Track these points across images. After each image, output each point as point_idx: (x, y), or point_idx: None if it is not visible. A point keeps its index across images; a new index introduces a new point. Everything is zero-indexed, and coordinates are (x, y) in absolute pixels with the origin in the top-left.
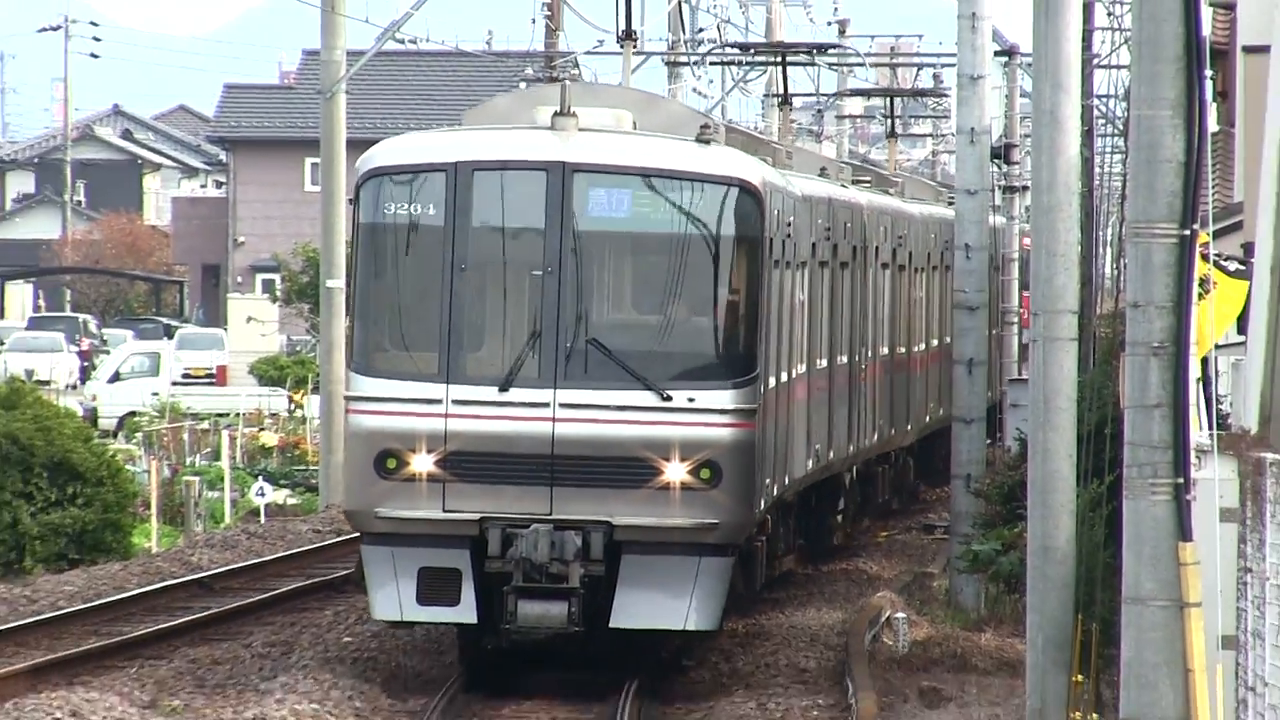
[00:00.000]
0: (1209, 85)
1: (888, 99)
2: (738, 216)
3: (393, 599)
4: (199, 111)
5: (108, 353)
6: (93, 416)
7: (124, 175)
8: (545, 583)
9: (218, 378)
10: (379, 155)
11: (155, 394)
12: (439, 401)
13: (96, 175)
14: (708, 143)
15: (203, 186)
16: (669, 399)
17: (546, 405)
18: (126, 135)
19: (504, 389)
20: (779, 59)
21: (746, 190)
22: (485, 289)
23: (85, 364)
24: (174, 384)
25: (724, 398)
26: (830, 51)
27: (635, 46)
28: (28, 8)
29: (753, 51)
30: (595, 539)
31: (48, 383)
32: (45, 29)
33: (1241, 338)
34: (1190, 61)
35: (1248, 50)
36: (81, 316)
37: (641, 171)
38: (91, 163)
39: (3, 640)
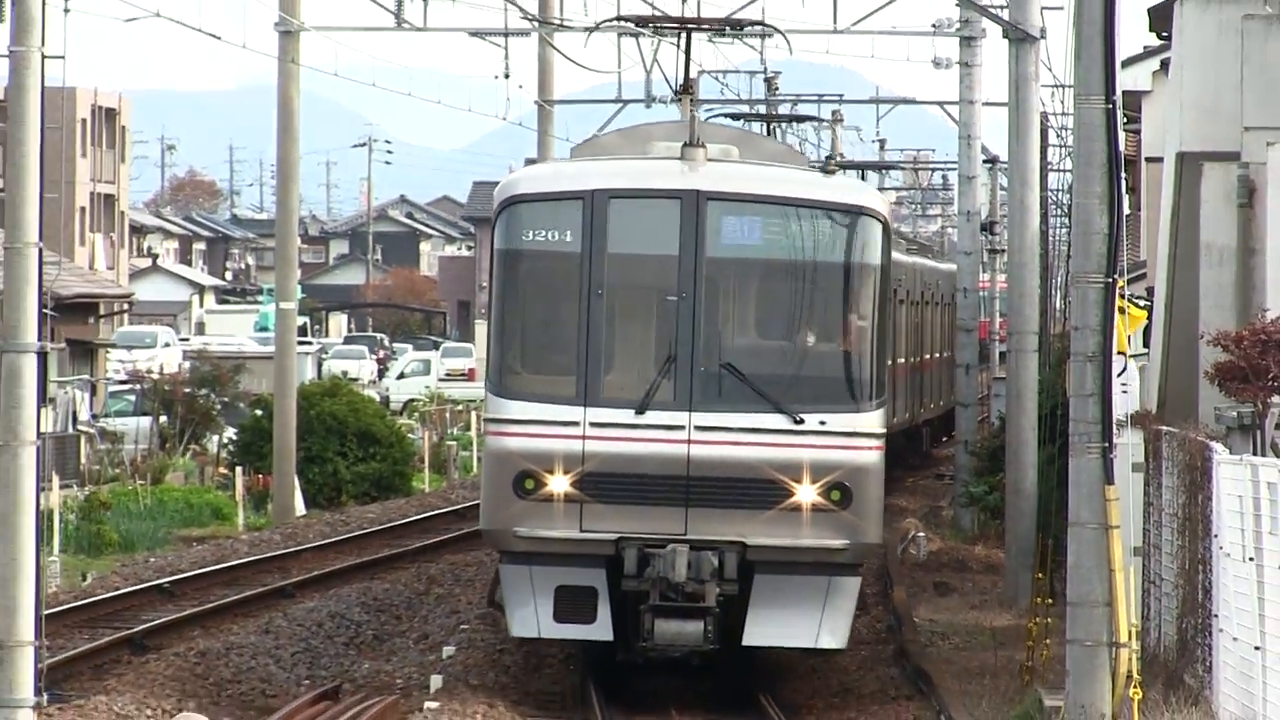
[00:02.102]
0: (1123, 183)
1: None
2: (866, 244)
3: (530, 617)
4: (456, 199)
5: (395, 360)
6: (386, 401)
7: (406, 242)
8: (681, 601)
9: (469, 376)
10: (517, 184)
11: (427, 387)
12: (576, 424)
13: (388, 242)
14: (832, 173)
15: (458, 249)
16: (801, 422)
17: (682, 428)
18: (409, 215)
19: (640, 412)
20: (682, 32)
21: (874, 218)
22: (620, 314)
23: (381, 367)
24: (440, 380)
25: (854, 421)
26: (748, 28)
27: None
28: (344, 130)
29: (652, 27)
30: (730, 559)
31: (356, 379)
32: (357, 145)
33: (1145, 350)
34: (1111, 168)
35: (1148, 160)
36: (378, 335)
37: (773, 200)
38: (384, 234)
39: (328, 548)
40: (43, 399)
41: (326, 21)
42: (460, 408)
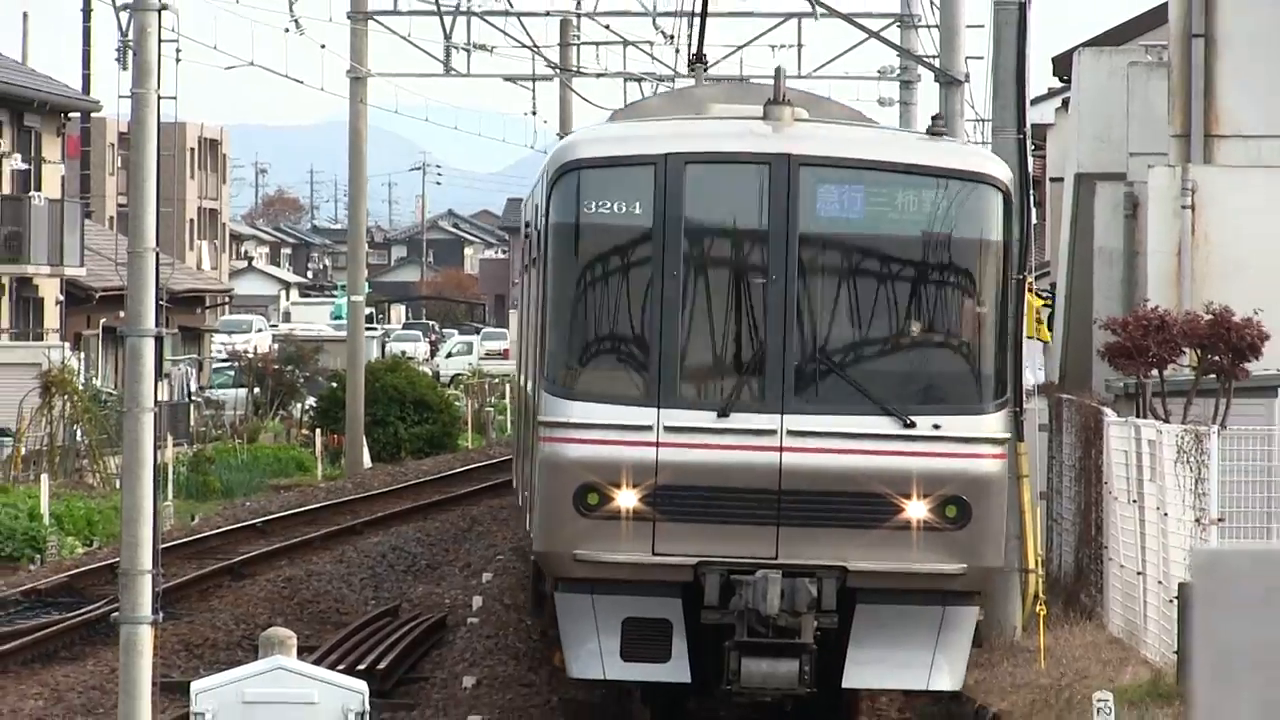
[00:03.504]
0: (1032, 199)
1: None
2: (988, 218)
3: (593, 654)
4: (494, 212)
5: (444, 342)
6: (437, 376)
7: (453, 247)
8: (773, 637)
9: (504, 355)
10: (577, 146)
11: (470, 364)
12: (649, 428)
13: (438, 247)
14: (939, 135)
15: (495, 253)
16: (912, 425)
17: (773, 433)
18: (455, 225)
19: (723, 414)
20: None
21: (997, 189)
22: (699, 299)
23: (432, 348)
24: (480, 359)
25: (974, 424)
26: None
27: None
28: (403, 157)
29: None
30: (828, 587)
31: (412, 358)
32: (413, 169)
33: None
34: (1023, 186)
35: (1052, 180)
36: (430, 323)
37: (878, 165)
38: (435, 240)
39: (389, 495)
40: (159, 374)
41: (389, 69)
42: (497, 380)
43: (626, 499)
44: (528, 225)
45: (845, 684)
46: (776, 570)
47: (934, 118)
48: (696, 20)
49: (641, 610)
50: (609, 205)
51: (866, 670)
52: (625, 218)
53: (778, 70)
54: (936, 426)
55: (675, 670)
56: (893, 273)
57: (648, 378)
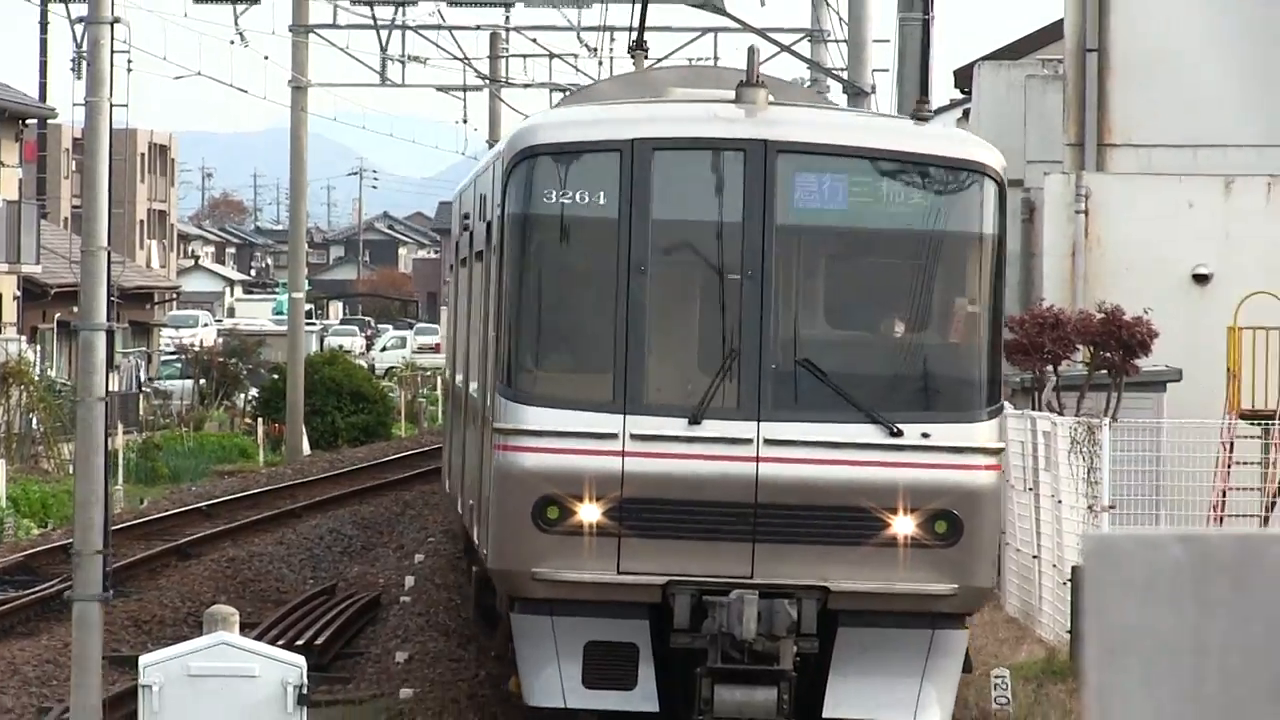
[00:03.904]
0: None
1: None
2: (981, 210)
3: (553, 682)
4: (426, 214)
5: (379, 337)
6: (372, 368)
7: (388, 248)
8: (749, 663)
9: (437, 349)
10: (536, 131)
11: (404, 358)
12: (614, 436)
13: (374, 248)
14: (925, 120)
15: (428, 253)
16: (899, 434)
17: (749, 441)
18: (390, 227)
19: (695, 421)
20: None
21: (990, 177)
22: (669, 296)
23: (368, 342)
24: (413, 353)
25: (965, 433)
26: None
27: None
28: (341, 162)
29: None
30: (808, 608)
31: (349, 351)
32: (350, 173)
33: None
34: None
35: None
36: (366, 318)
37: (861, 152)
38: (371, 241)
39: (327, 480)
40: (110, 366)
41: (328, 79)
42: (429, 373)
43: (589, 513)
44: (466, 218)
45: (826, 715)
46: (753, 590)
47: (918, 101)
48: (638, 7)
49: (606, 634)
50: (571, 194)
51: (849, 700)
52: (588, 208)
53: (751, 49)
54: (925, 435)
55: (642, 699)
56: (878, 268)
57: (613, 381)
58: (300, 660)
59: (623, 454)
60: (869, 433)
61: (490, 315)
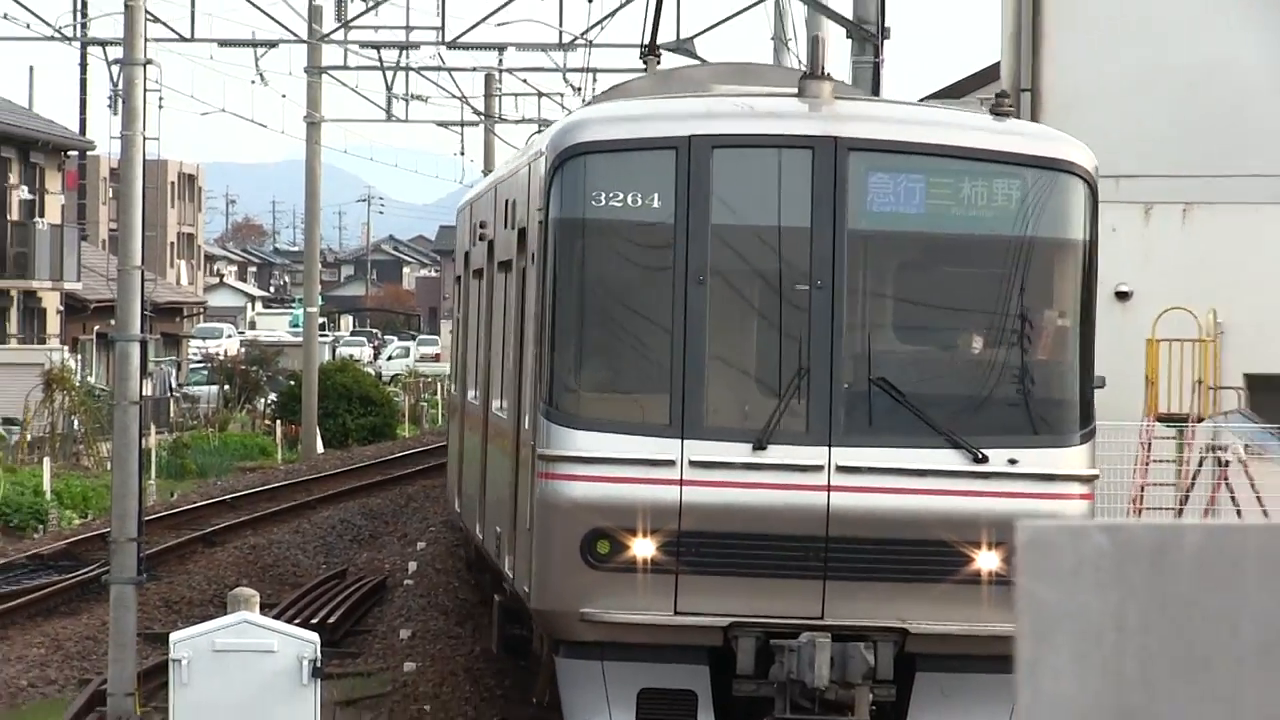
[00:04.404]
0: None
1: None
2: (1071, 214)
3: None
4: (428, 238)
5: (385, 347)
6: (379, 375)
7: (393, 267)
8: (820, 712)
9: (438, 358)
10: (583, 127)
11: (407, 366)
12: (671, 463)
13: (381, 267)
14: (1006, 115)
15: (430, 272)
16: (984, 460)
17: (819, 469)
18: (395, 248)
19: (760, 446)
20: None
21: (1082, 178)
22: (731, 309)
23: (375, 352)
24: (416, 361)
25: (1057, 459)
26: None
27: None
28: (351, 190)
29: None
30: (884, 652)
31: (358, 360)
32: (360, 200)
33: None
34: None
35: None
36: (374, 330)
37: (941, 151)
38: (378, 261)
39: (339, 475)
40: (144, 373)
41: (340, 115)
42: (430, 380)
43: (644, 547)
44: (483, 226)
45: None
46: (825, 633)
47: (999, 95)
48: (652, 8)
49: (661, 680)
50: (622, 197)
51: None
52: (641, 211)
53: (815, 39)
54: (1013, 461)
55: None
56: (959, 278)
57: (669, 403)
58: (314, 637)
59: (680, 483)
60: (951, 459)
61: (528, 329)
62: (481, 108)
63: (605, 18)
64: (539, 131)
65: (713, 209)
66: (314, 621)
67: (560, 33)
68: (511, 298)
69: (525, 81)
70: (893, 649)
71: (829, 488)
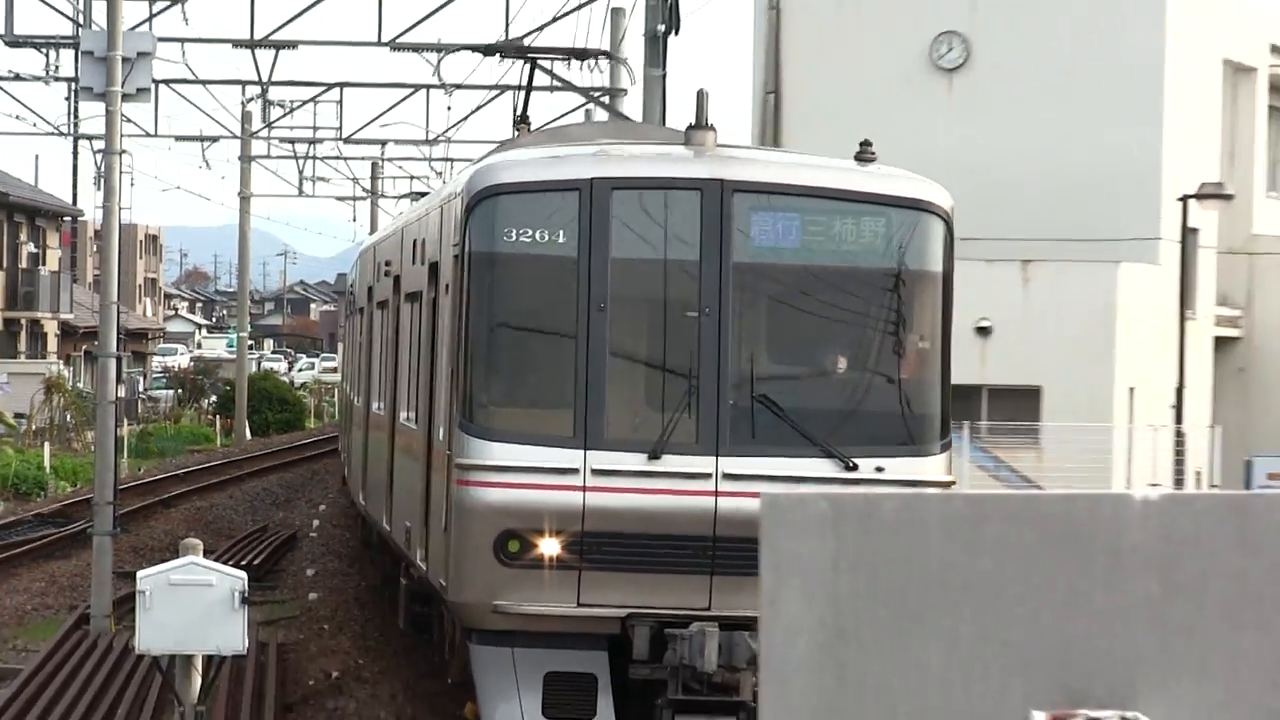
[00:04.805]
0: None
1: None
2: (930, 247)
3: (513, 711)
4: (329, 282)
5: (297, 363)
6: (292, 383)
7: (303, 303)
8: (708, 694)
9: (335, 371)
10: (494, 171)
11: (313, 376)
12: (575, 471)
13: (294, 303)
14: (869, 161)
15: (330, 308)
16: (854, 468)
17: (708, 476)
18: (304, 289)
19: (655, 456)
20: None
21: (939, 216)
22: (628, 333)
23: (289, 366)
24: (319, 374)
25: (919, 466)
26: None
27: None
28: (272, 247)
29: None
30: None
31: (277, 372)
32: (279, 254)
33: None
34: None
35: None
36: (289, 350)
37: (814, 192)
38: (292, 299)
39: (261, 457)
40: (119, 380)
41: (264, 191)
42: (329, 386)
43: (550, 546)
44: (389, 265)
45: None
46: (713, 623)
47: (862, 144)
48: (521, 92)
49: (566, 664)
50: (530, 233)
51: None
52: (548, 246)
53: (701, 93)
54: (879, 469)
55: None
56: (832, 305)
57: (574, 417)
58: (243, 575)
59: (584, 489)
60: (825, 467)
61: (440, 350)
62: (369, 187)
63: (461, 120)
64: (413, 198)
65: (612, 244)
66: (243, 563)
67: (427, 131)
68: (421, 324)
69: (401, 168)
70: None
71: (716, 493)
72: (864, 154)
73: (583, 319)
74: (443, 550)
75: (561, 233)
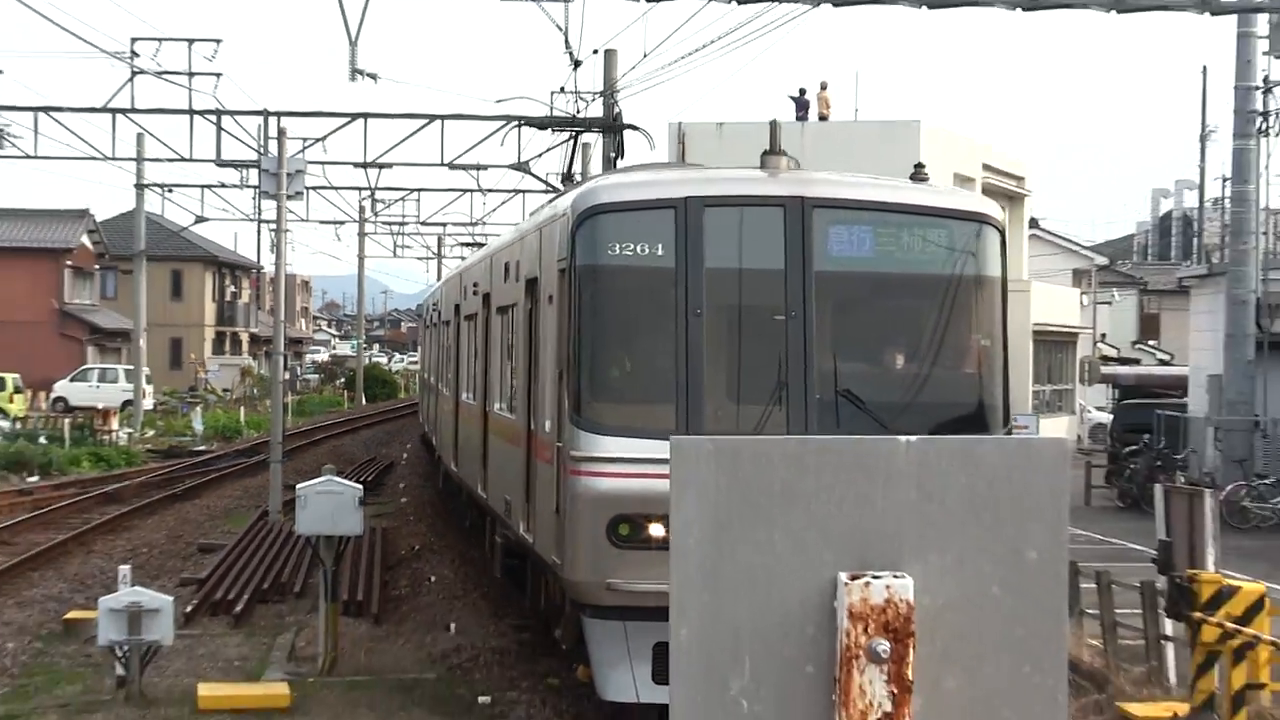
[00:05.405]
0: None
1: None
2: (990, 255)
3: (626, 679)
4: (413, 310)
5: (394, 358)
6: (391, 370)
7: (396, 323)
8: None
9: (416, 364)
10: (598, 192)
11: (404, 366)
12: None
13: (391, 321)
14: (923, 180)
15: (412, 324)
16: None
17: None
18: (396, 314)
19: None
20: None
21: (996, 228)
22: (722, 335)
23: (388, 359)
24: (407, 365)
25: None
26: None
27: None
28: (378, 286)
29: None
30: None
31: (381, 363)
32: (382, 293)
33: None
34: None
35: None
36: (390, 350)
37: (886, 207)
38: (392, 319)
39: (371, 415)
40: (285, 368)
41: (373, 253)
42: (412, 373)
43: (658, 529)
44: (476, 286)
45: None
46: None
47: (916, 166)
48: (567, 149)
49: None
50: (631, 247)
51: None
52: (648, 259)
53: (774, 123)
54: None
55: None
56: (904, 307)
57: (675, 411)
58: (360, 487)
59: None
60: None
61: (549, 353)
62: (436, 251)
63: (491, 211)
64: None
65: (705, 255)
66: (360, 479)
67: (471, 217)
68: (516, 331)
69: (455, 239)
70: None
71: None
72: (918, 174)
73: (681, 323)
74: (555, 531)
75: (660, 246)
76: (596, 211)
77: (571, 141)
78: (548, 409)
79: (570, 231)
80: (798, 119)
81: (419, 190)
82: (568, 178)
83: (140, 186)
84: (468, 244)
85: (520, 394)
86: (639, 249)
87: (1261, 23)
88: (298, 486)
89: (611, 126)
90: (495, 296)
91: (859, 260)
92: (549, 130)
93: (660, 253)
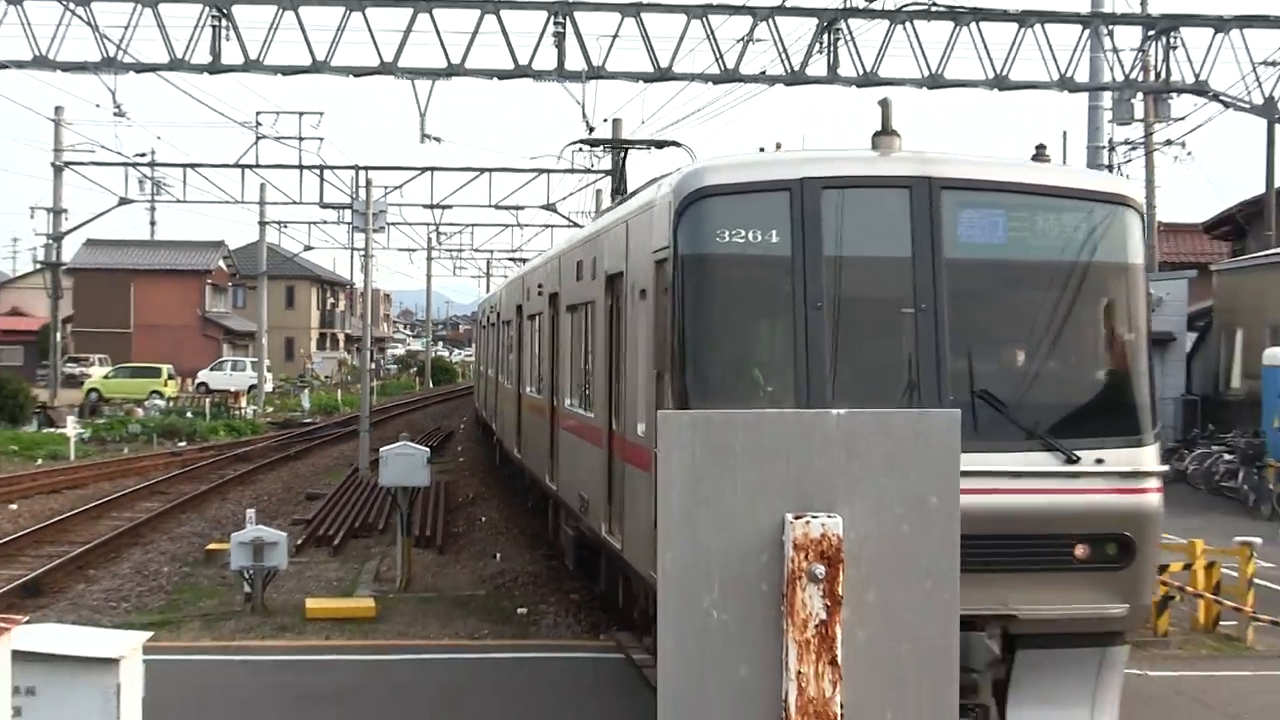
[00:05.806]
0: None
1: None
2: (1130, 240)
3: None
4: (469, 315)
5: (454, 353)
6: (452, 361)
7: (455, 325)
8: None
9: (472, 358)
10: (704, 174)
11: (462, 359)
12: None
13: (451, 324)
14: (1045, 162)
15: (468, 326)
16: (1076, 460)
17: None
18: (457, 318)
19: None
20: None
21: (1136, 210)
22: (844, 329)
23: (450, 353)
24: (464, 358)
25: (1136, 457)
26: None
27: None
28: (442, 299)
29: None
30: (995, 636)
31: (446, 356)
32: (445, 302)
33: None
34: None
35: None
36: (452, 346)
37: (1020, 188)
38: (451, 321)
39: (438, 395)
40: (371, 360)
41: (438, 273)
42: (468, 364)
43: None
44: (540, 287)
45: None
46: None
47: (1038, 146)
48: (616, 163)
49: None
50: (742, 233)
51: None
52: (761, 246)
53: (885, 101)
54: (1099, 461)
55: None
56: (1041, 298)
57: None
58: (428, 449)
59: None
60: (1046, 460)
61: (640, 351)
62: (486, 271)
63: (527, 240)
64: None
65: (824, 241)
66: (428, 444)
67: (512, 245)
68: (591, 329)
69: (500, 262)
70: (1000, 632)
71: None
72: (1040, 155)
73: (799, 316)
74: (649, 538)
75: (774, 232)
76: (703, 195)
77: (620, 158)
78: (641, 411)
79: (672, 218)
80: None
81: (473, 225)
82: (618, 191)
83: (263, 223)
84: (513, 259)
85: (599, 392)
86: (751, 236)
87: (1106, 98)
88: (381, 450)
89: (658, 143)
90: (565, 295)
91: (992, 247)
92: (573, 173)
93: (775, 240)
